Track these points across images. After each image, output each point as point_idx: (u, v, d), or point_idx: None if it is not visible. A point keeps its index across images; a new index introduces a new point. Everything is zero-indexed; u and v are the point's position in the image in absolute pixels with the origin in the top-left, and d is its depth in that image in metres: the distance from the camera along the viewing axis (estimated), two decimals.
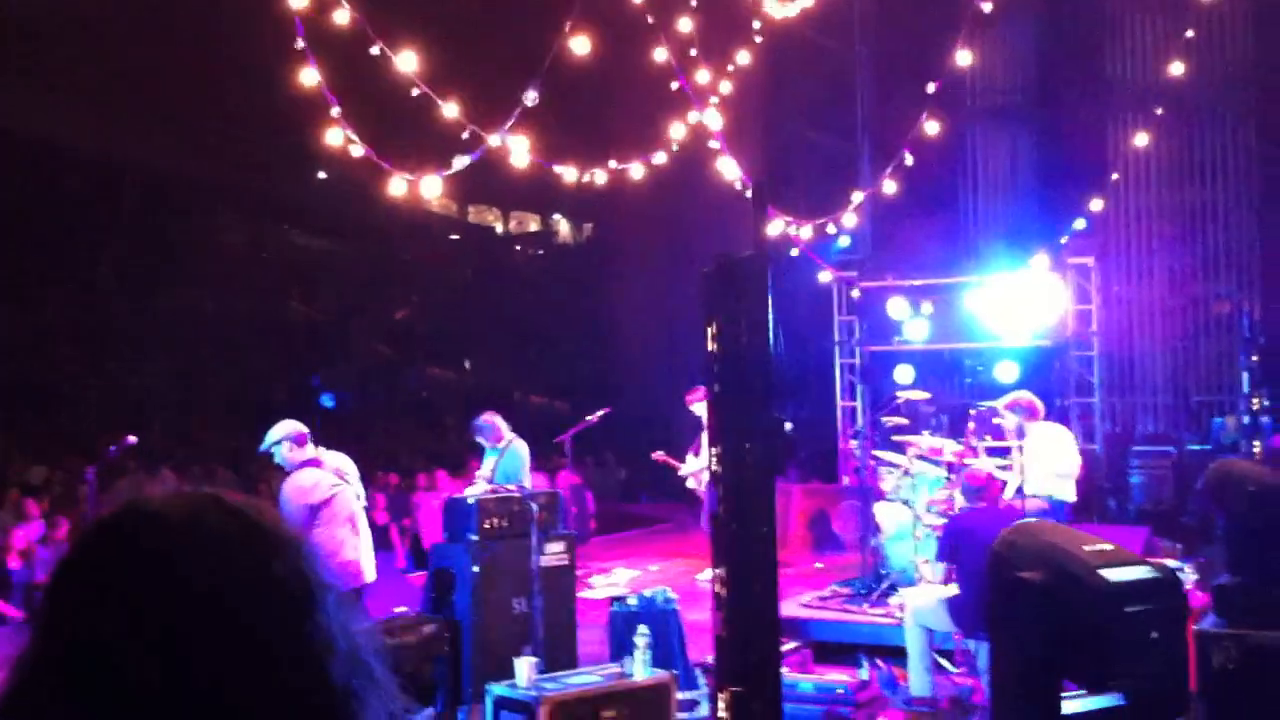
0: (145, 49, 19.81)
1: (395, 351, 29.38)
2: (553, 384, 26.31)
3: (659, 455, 13.31)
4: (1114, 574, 3.41)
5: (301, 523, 7.46)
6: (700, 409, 12.42)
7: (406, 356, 29.27)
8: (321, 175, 25.30)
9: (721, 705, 5.13)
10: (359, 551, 7.86)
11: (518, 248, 34.94)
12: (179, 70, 20.25)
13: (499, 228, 35.31)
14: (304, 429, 7.93)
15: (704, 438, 12.40)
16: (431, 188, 8.28)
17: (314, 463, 7.87)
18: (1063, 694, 3.36)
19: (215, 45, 19.53)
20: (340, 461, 8.06)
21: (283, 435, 7.88)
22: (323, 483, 7.80)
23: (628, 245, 23.47)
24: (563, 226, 35.39)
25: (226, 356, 23.74)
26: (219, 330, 24.14)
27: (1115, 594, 3.35)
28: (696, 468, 12.39)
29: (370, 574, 7.94)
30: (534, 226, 35.56)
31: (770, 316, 5.09)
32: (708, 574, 8.59)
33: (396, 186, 8.27)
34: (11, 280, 19.98)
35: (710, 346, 5.17)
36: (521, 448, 10.88)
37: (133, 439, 9.56)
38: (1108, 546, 3.66)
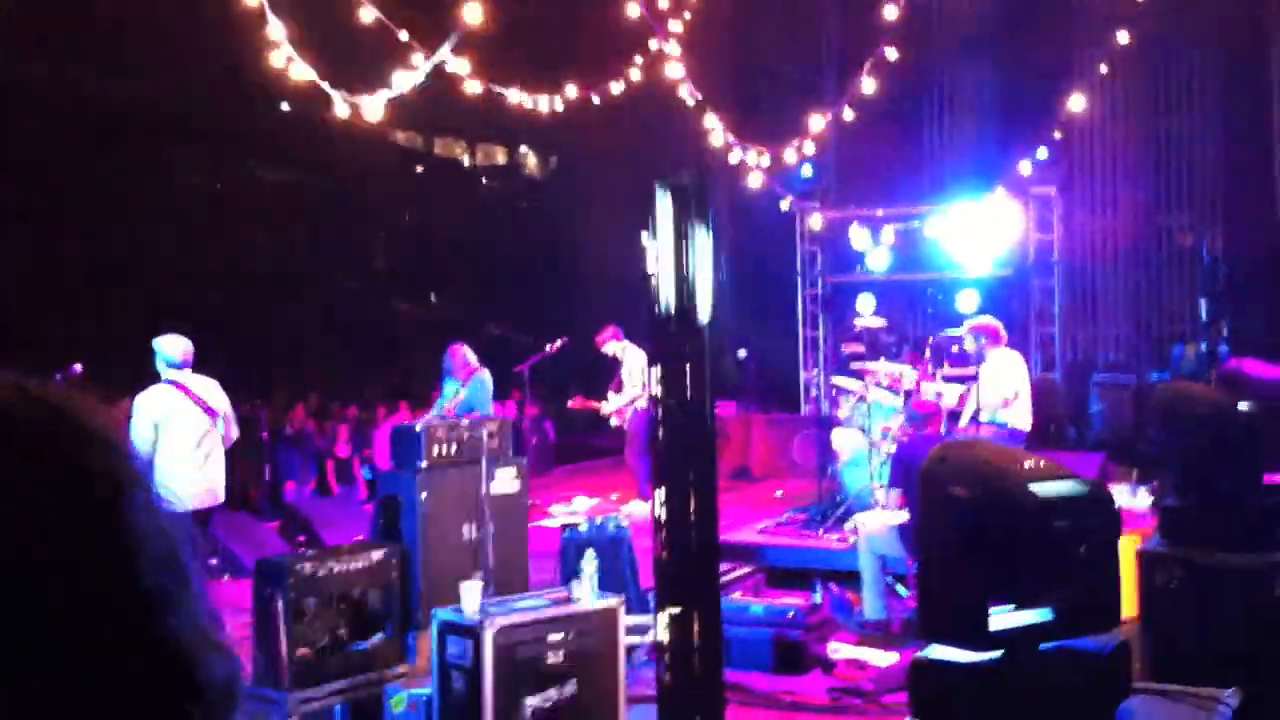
0: None
1: (361, 285, 29.20)
2: (518, 316, 26.19)
3: (575, 402, 13.36)
4: (1043, 488, 3.37)
5: (143, 435, 8.01)
6: (612, 347, 12.47)
7: (372, 290, 29.10)
8: (285, 107, 25.00)
9: (662, 626, 5.10)
10: (202, 474, 8.23)
11: (484, 180, 34.66)
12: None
13: (466, 160, 35.02)
14: (188, 352, 8.34)
15: (623, 374, 12.49)
16: (374, 109, 8.12)
17: (179, 386, 8.25)
18: (990, 609, 3.31)
19: None
20: (207, 388, 8.41)
21: (165, 349, 8.33)
22: (171, 403, 8.20)
23: (592, 176, 23.30)
24: (530, 159, 35.13)
25: (188, 292, 23.53)
26: (179, 266, 23.92)
27: (1043, 508, 3.31)
28: (619, 404, 12.45)
29: (212, 499, 8.38)
30: (501, 159, 35.28)
31: (711, 236, 5.01)
32: (635, 506, 8.66)
33: (339, 108, 8.10)
34: None
35: (650, 268, 5.08)
36: (486, 379, 10.87)
37: (78, 368, 9.43)
38: (1040, 463, 3.61)
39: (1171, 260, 16.21)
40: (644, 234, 4.99)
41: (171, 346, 8.36)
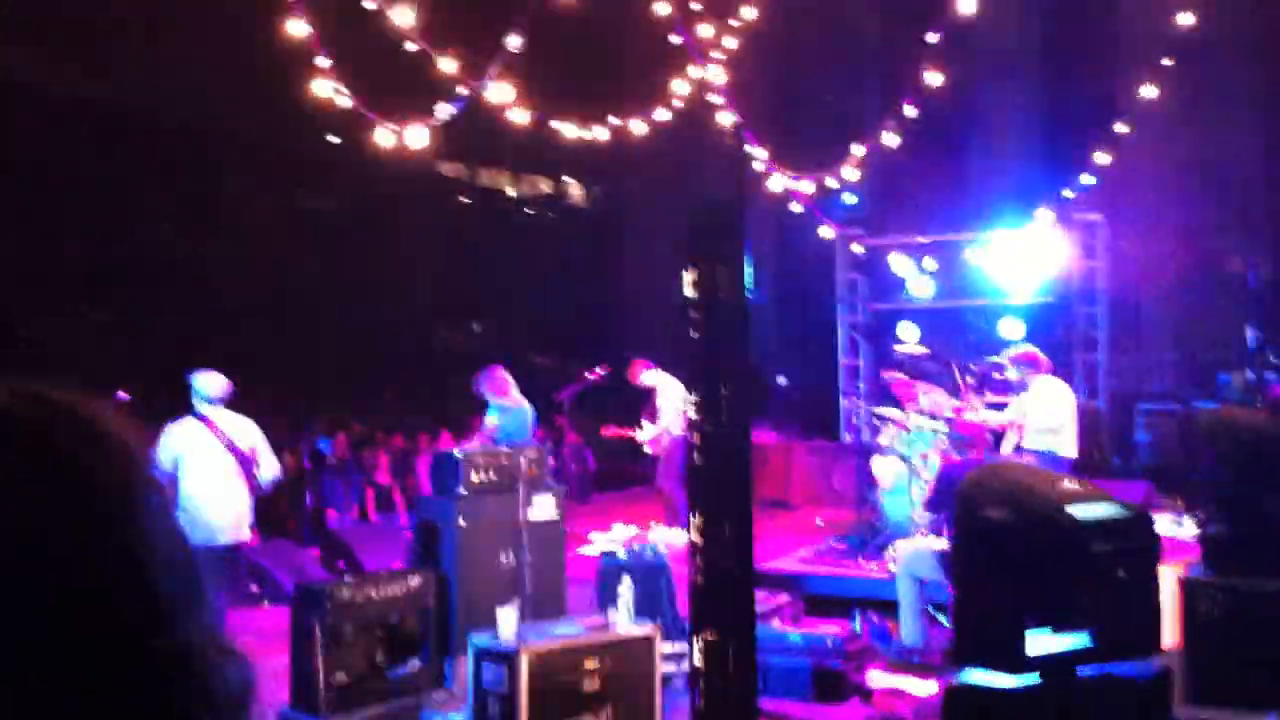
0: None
1: (404, 314, 29.35)
2: (560, 346, 26.24)
3: (609, 430, 13.36)
4: (1081, 511, 3.32)
5: (162, 464, 8.05)
6: (647, 378, 12.49)
7: (415, 319, 29.25)
8: (332, 139, 25.23)
9: (697, 652, 5.06)
10: (220, 511, 8.22)
11: (527, 210, 34.81)
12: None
13: (509, 190, 35.19)
14: (223, 389, 8.43)
15: (659, 401, 12.50)
16: (418, 138, 8.17)
17: (205, 420, 8.34)
18: (1027, 634, 3.26)
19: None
20: (237, 427, 8.46)
21: (200, 385, 8.42)
22: (196, 438, 8.26)
23: (634, 206, 23.36)
24: (573, 190, 35.26)
25: (232, 320, 23.74)
26: (224, 295, 24.15)
27: (1082, 531, 3.26)
28: (655, 433, 12.46)
29: (231, 537, 8.33)
30: (545, 189, 35.43)
31: (747, 261, 4.99)
32: (670, 533, 8.65)
33: (383, 137, 8.16)
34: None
35: (688, 292, 5.07)
36: (526, 409, 10.88)
37: (123, 395, 9.50)
38: (1077, 485, 3.56)
39: (1218, 286, 16.02)
40: (681, 259, 4.97)
41: (207, 383, 8.43)
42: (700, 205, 5.10)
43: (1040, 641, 3.32)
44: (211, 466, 8.27)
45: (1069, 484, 3.53)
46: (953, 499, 7.46)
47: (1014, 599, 3.34)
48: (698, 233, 5.00)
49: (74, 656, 0.92)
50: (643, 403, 12.87)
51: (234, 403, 8.84)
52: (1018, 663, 3.35)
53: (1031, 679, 3.38)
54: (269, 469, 8.68)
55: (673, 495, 12.40)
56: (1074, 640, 3.35)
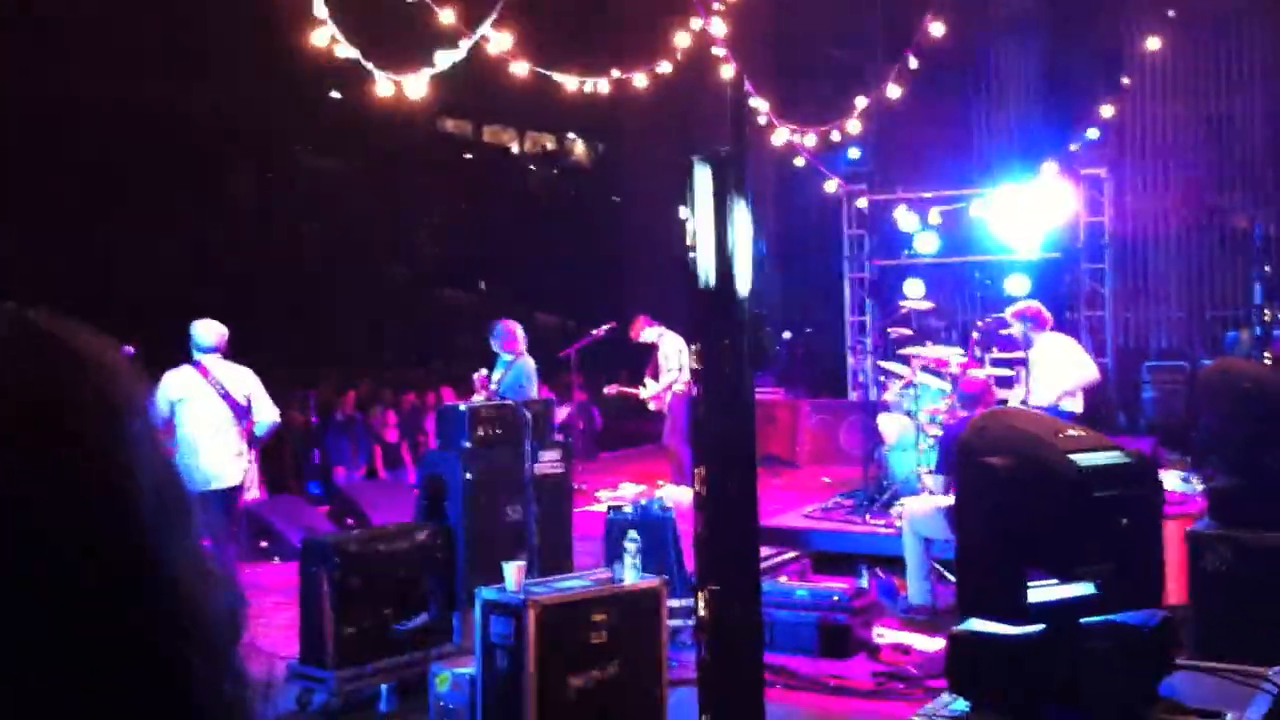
0: None
1: (410, 273, 29.33)
2: (566, 303, 26.22)
3: (612, 389, 13.37)
4: (1083, 459, 3.31)
5: (164, 413, 8.31)
6: (648, 334, 12.48)
7: (421, 278, 29.23)
8: (335, 95, 25.13)
9: (701, 604, 5.07)
10: (214, 457, 8.46)
11: (532, 168, 34.70)
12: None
13: (514, 148, 35.06)
14: (220, 337, 8.65)
15: (660, 358, 12.50)
16: (417, 88, 8.13)
17: (199, 367, 8.58)
18: (1030, 583, 3.26)
19: None
20: (232, 375, 8.68)
21: (196, 333, 8.66)
22: (190, 385, 8.50)
23: (638, 162, 23.26)
24: (578, 147, 35.14)
25: (238, 280, 23.73)
26: (229, 254, 24.12)
27: (1083, 478, 3.25)
28: (657, 389, 12.47)
29: (226, 481, 8.55)
30: (549, 146, 35.30)
31: (750, 209, 4.97)
32: (675, 490, 8.69)
33: (383, 88, 8.12)
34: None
35: (688, 241, 5.05)
36: (529, 364, 10.88)
37: (130, 349, 9.50)
38: (1080, 433, 3.56)
39: (1224, 242, 15.94)
40: (682, 208, 4.95)
41: (204, 331, 8.65)
42: (701, 151, 5.06)
43: (1043, 591, 3.33)
44: (206, 413, 8.50)
45: (1072, 432, 3.52)
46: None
47: (1016, 548, 3.34)
48: (698, 181, 4.97)
49: (46, 584, 0.91)
50: (647, 360, 12.88)
51: (242, 358, 8.95)
52: (1020, 612, 3.36)
53: (1035, 628, 3.39)
54: (266, 415, 8.89)
55: (678, 452, 12.43)
56: (1077, 589, 3.35)
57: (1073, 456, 3.33)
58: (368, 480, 14.77)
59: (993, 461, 3.40)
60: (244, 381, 8.75)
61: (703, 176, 4.97)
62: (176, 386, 8.49)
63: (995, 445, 3.45)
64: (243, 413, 8.68)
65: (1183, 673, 3.52)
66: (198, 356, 8.63)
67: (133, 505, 0.95)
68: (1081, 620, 3.41)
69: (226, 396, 8.61)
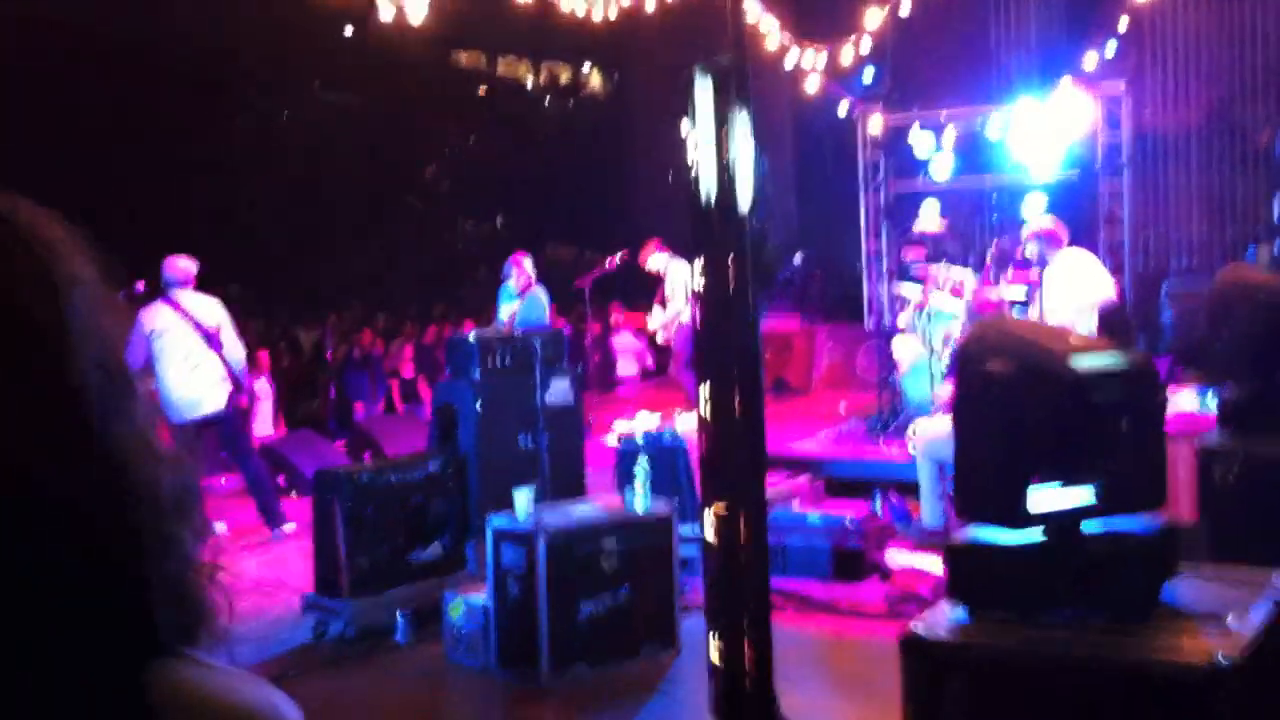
0: None
1: (426, 207, 29.28)
2: (582, 234, 26.14)
3: (618, 317, 13.32)
4: (1083, 362, 3.26)
5: (141, 345, 8.79)
6: (656, 261, 12.39)
7: (437, 212, 29.18)
8: (348, 31, 25.00)
9: (708, 525, 5.05)
10: (195, 387, 9.00)
11: (547, 100, 34.47)
12: None
13: (529, 81, 34.82)
14: (186, 272, 9.16)
15: (667, 288, 12.42)
16: (417, 10, 8.05)
17: (170, 301, 9.05)
18: (1030, 489, 3.22)
19: None
20: (201, 305, 9.17)
21: (165, 268, 9.16)
22: (163, 320, 8.98)
23: (652, 92, 23.03)
24: (593, 78, 34.86)
25: (255, 218, 23.75)
26: (245, 192, 24.12)
27: (1082, 382, 3.20)
28: (665, 319, 12.39)
29: (210, 407, 9.08)
30: (564, 78, 35.04)
31: (750, 121, 4.89)
32: (685, 418, 8.67)
33: (384, 11, 8.05)
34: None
35: (689, 157, 4.98)
36: (541, 295, 10.88)
37: (140, 286, 9.68)
38: (1079, 338, 3.50)
39: (1246, 159, 15.66)
40: (684, 121, 4.87)
41: (171, 267, 9.17)
42: (702, 62, 4.97)
43: (1043, 497, 3.28)
44: (181, 344, 9.00)
45: (1072, 337, 3.47)
46: None
47: (1015, 454, 3.30)
48: (698, 95, 4.89)
49: None
50: (656, 289, 12.80)
51: (258, 296, 9.18)
52: (1020, 519, 3.32)
53: (1035, 535, 3.35)
54: (234, 350, 9.33)
55: (684, 381, 12.41)
56: (1078, 495, 3.30)
57: (1070, 360, 3.27)
58: (386, 415, 14.81)
59: (991, 367, 3.35)
60: (214, 311, 9.24)
61: (703, 88, 4.89)
62: (152, 321, 8.96)
63: (994, 351, 3.40)
64: (215, 340, 9.13)
65: (1185, 578, 3.48)
66: (169, 292, 9.10)
67: (73, 378, 0.95)
68: (1082, 526, 3.37)
69: (199, 327, 9.07)
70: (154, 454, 0.99)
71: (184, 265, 9.19)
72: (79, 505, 0.92)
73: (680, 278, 12.15)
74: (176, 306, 9.06)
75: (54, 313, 0.95)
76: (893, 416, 10.38)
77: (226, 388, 9.21)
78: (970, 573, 3.46)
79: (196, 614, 1.01)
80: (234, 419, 9.39)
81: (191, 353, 9.03)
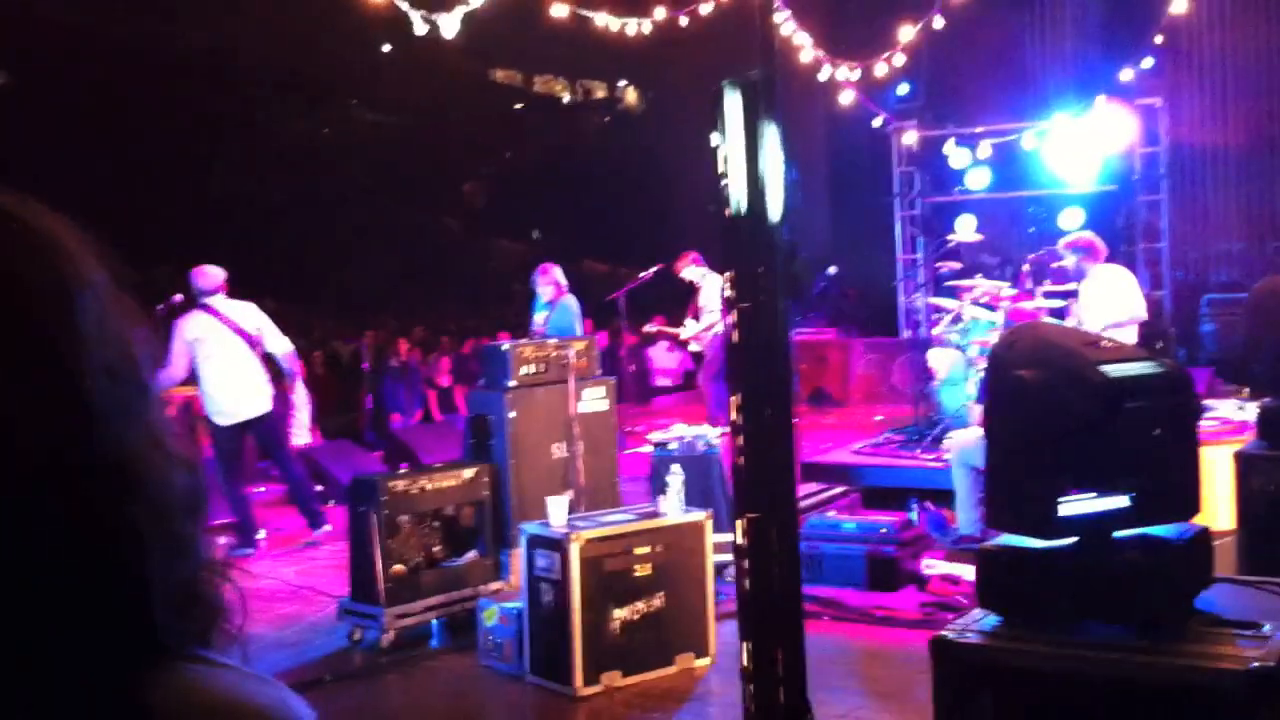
0: None
1: (463, 224, 29.43)
2: (617, 249, 26.19)
3: (652, 327, 13.31)
4: (1114, 369, 3.25)
5: (178, 357, 9.04)
6: (690, 273, 12.39)
7: (474, 228, 29.32)
8: (386, 48, 25.17)
9: (739, 532, 5.06)
10: (237, 392, 9.19)
11: (584, 116, 34.59)
12: None
13: (565, 97, 34.97)
14: (216, 279, 9.31)
15: (701, 300, 12.42)
16: (451, 26, 8.12)
17: (209, 309, 9.21)
18: (1062, 497, 3.22)
19: None
20: (239, 311, 9.34)
21: (196, 277, 9.31)
22: (203, 327, 9.14)
23: (687, 107, 23.09)
24: (629, 94, 34.97)
25: (296, 232, 23.91)
26: (288, 207, 24.30)
27: (1114, 388, 3.19)
28: (697, 330, 12.39)
29: (254, 410, 9.27)
30: (600, 94, 35.16)
31: (780, 134, 4.90)
32: (700, 430, 8.68)
33: (418, 27, 8.12)
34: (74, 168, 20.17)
35: (720, 169, 5.00)
36: (572, 303, 10.91)
37: (179, 297, 9.72)
38: (1112, 344, 3.49)
39: None
40: (714, 135, 4.90)
41: (200, 276, 9.32)
42: (731, 76, 4.99)
43: (1075, 504, 3.28)
44: (223, 350, 9.17)
45: (1104, 344, 3.46)
46: None
47: (1047, 460, 3.30)
48: (728, 108, 4.91)
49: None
50: (690, 300, 12.82)
51: (296, 307, 9.26)
52: (1052, 526, 3.31)
53: (1067, 542, 3.35)
54: (279, 345, 9.51)
55: (708, 392, 12.43)
56: (1110, 502, 3.30)
57: (1103, 367, 3.27)
58: (423, 424, 14.88)
59: (1023, 374, 3.35)
60: (252, 315, 9.38)
61: (732, 101, 4.91)
62: (192, 329, 9.12)
63: (1025, 358, 3.40)
64: (256, 344, 9.30)
65: (1220, 585, 3.46)
66: (203, 301, 9.25)
67: (80, 379, 0.94)
68: (1115, 533, 3.36)
69: (240, 331, 9.23)
70: (164, 455, 0.99)
71: (213, 272, 9.35)
72: (81, 506, 0.92)
73: (714, 289, 12.17)
74: (215, 313, 9.22)
75: (63, 314, 0.95)
76: (929, 426, 10.35)
77: (268, 391, 9.40)
78: (1002, 580, 3.46)
79: (209, 615, 1.01)
80: (275, 421, 9.56)
81: (233, 358, 9.21)
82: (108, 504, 0.94)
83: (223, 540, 9.81)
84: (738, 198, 4.90)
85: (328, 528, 9.63)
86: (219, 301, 9.31)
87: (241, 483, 9.59)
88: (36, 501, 0.90)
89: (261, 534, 9.85)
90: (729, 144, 4.94)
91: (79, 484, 0.93)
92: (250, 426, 9.38)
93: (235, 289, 9.50)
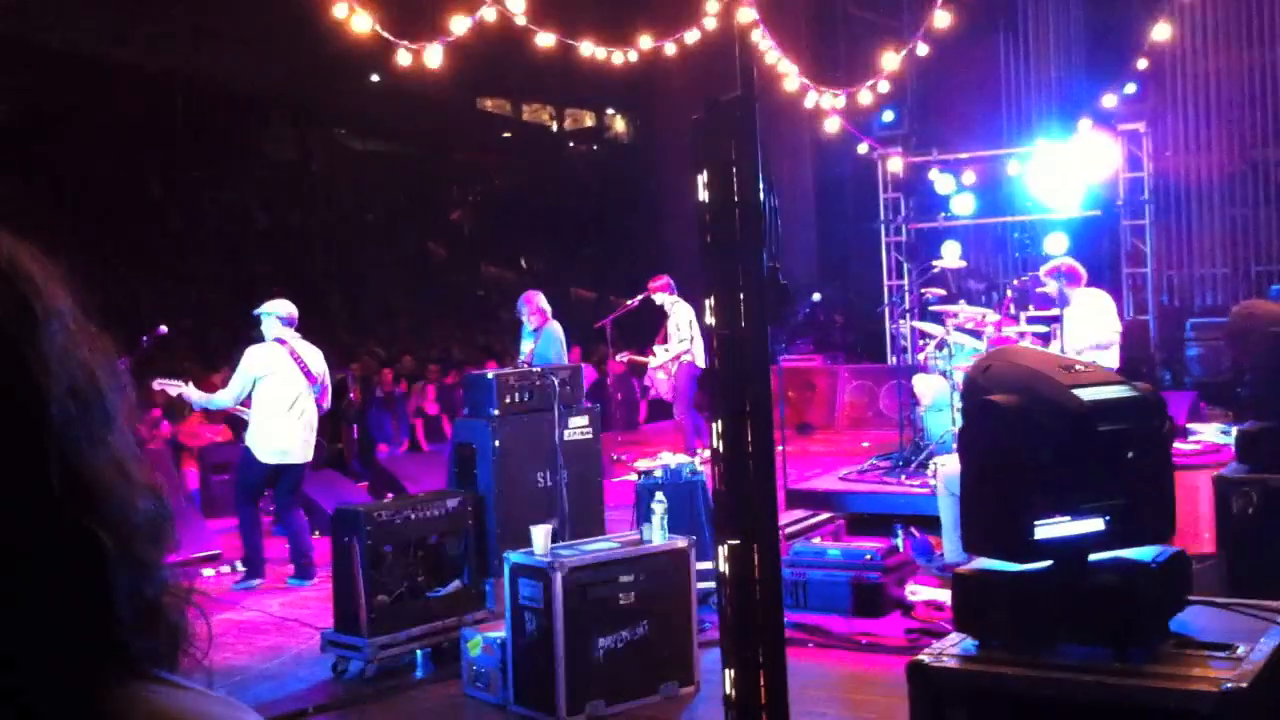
0: None
1: (450, 251, 29.46)
2: (604, 277, 26.25)
3: (625, 356, 13.29)
4: (1088, 393, 3.27)
5: (243, 387, 8.84)
6: (661, 298, 12.36)
7: (461, 256, 29.36)
8: (374, 78, 25.24)
9: (720, 558, 5.06)
10: (290, 433, 8.90)
11: (571, 144, 34.72)
12: None
13: (553, 126, 35.10)
14: (294, 313, 9.01)
15: (669, 326, 12.39)
16: (434, 56, 8.15)
17: (282, 343, 8.92)
18: (1037, 520, 3.23)
19: None
20: (310, 355, 9.03)
21: (276, 308, 8.98)
22: (274, 361, 8.86)
23: (673, 137, 23.17)
24: (616, 122, 35.11)
25: (280, 260, 23.91)
26: (272, 235, 24.33)
27: (1088, 412, 3.21)
28: (665, 359, 12.37)
29: (299, 457, 9.04)
30: (588, 123, 35.29)
31: (760, 160, 4.93)
32: (685, 459, 8.68)
33: (402, 57, 8.15)
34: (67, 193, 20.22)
35: (700, 196, 5.02)
36: (557, 330, 10.92)
37: (164, 329, 9.65)
38: (1086, 368, 3.51)
39: (1268, 197, 15.63)
40: (694, 161, 4.92)
41: (282, 306, 9.02)
42: (707, 102, 5.02)
43: (1051, 527, 3.29)
44: (286, 389, 8.87)
45: (1079, 368, 3.48)
46: None
47: (1022, 485, 3.31)
48: (709, 134, 4.94)
49: None
50: (660, 327, 12.79)
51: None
52: (1027, 549, 3.32)
53: (1042, 565, 3.36)
54: (327, 400, 9.28)
55: (684, 423, 12.42)
56: (1085, 525, 3.31)
57: (1077, 391, 3.28)
58: (410, 454, 14.84)
59: (996, 398, 3.36)
60: (318, 360, 9.12)
61: (712, 127, 4.94)
62: (261, 362, 8.86)
63: (1000, 382, 3.42)
64: (321, 390, 9.06)
65: (1195, 608, 3.47)
66: (278, 332, 8.93)
67: (41, 405, 0.95)
68: (1090, 556, 3.37)
69: (308, 372, 8.95)
70: (129, 480, 1.00)
71: (290, 306, 9.07)
72: (40, 524, 0.93)
73: (684, 318, 12.16)
74: (291, 351, 8.93)
75: (26, 342, 0.96)
76: (914, 453, 10.36)
77: (313, 440, 9.17)
78: (978, 603, 3.46)
79: (172, 637, 1.02)
80: (304, 470, 9.34)
81: (297, 399, 8.93)
82: (68, 523, 0.94)
83: (226, 569, 9.75)
84: (717, 223, 4.92)
85: (314, 581, 9.36)
86: (293, 338, 9.02)
87: (257, 514, 9.28)
88: None
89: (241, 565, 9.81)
90: (709, 170, 4.97)
91: (36, 501, 0.93)
92: (286, 470, 9.08)
93: (221, 317, 9.39)
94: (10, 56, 19.38)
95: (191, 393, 9.43)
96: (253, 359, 8.89)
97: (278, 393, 8.85)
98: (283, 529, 9.80)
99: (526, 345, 10.72)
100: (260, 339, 9.12)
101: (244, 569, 9.36)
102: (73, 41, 20.75)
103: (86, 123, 20.82)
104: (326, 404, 9.31)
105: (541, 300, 10.91)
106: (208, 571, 9.73)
